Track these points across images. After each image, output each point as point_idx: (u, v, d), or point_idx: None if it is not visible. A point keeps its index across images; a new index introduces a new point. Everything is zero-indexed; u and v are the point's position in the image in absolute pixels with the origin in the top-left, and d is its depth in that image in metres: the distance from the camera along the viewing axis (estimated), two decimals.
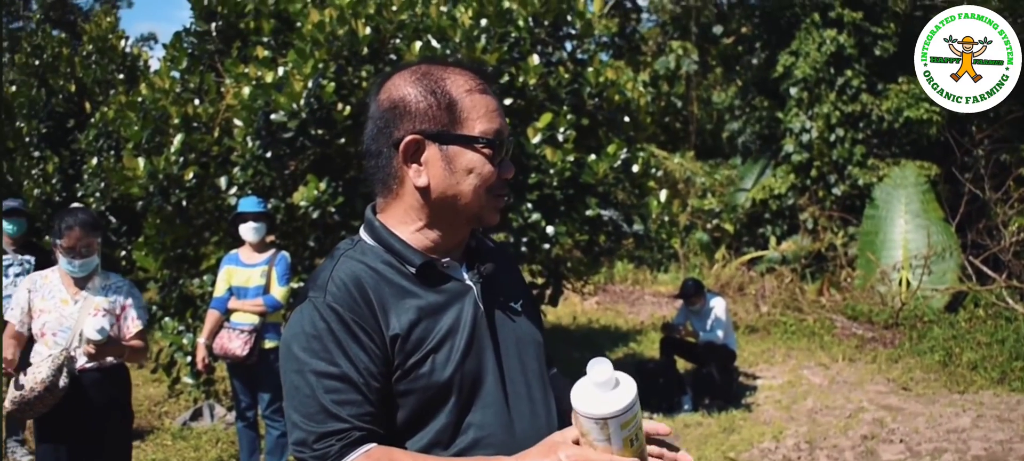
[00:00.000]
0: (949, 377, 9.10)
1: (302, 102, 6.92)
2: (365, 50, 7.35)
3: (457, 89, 1.74)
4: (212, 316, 6.32)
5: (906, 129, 14.39)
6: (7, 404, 4.21)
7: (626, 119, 8.39)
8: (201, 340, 6.37)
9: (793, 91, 15.18)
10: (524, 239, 7.56)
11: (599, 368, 1.54)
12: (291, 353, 1.68)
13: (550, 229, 7.52)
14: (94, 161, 9.92)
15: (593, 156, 7.66)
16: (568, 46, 8.81)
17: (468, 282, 1.81)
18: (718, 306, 8.74)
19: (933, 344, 10.18)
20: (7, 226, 6.80)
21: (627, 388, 1.55)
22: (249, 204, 6.38)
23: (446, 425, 1.71)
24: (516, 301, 1.91)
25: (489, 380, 1.75)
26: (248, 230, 6.24)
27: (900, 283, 12.55)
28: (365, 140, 1.82)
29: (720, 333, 8.62)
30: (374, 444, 1.63)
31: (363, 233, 1.84)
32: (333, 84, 6.99)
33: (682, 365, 9.13)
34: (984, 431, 7.23)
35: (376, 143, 1.78)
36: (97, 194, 9.70)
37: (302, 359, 1.65)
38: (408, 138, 1.72)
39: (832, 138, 14.79)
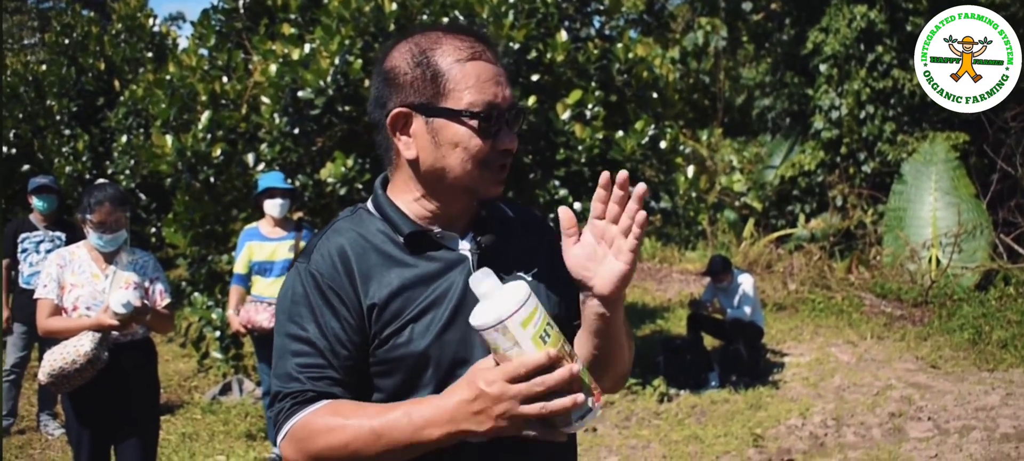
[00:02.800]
0: (978, 355, 9.02)
1: (329, 79, 6.94)
2: (392, 26, 7.33)
3: (446, 59, 1.70)
4: (236, 291, 6.35)
5: (938, 104, 14.18)
6: (42, 377, 4.25)
7: (655, 96, 8.34)
8: (230, 312, 6.41)
9: (823, 67, 15.00)
10: (552, 216, 7.55)
11: (478, 280, 1.54)
12: (278, 315, 1.76)
13: (578, 205, 7.51)
14: (123, 139, 10.04)
15: (621, 133, 7.63)
16: (596, 22, 8.77)
17: (463, 252, 1.78)
18: (746, 283, 8.70)
19: (963, 322, 10.07)
20: (38, 203, 6.91)
21: (515, 287, 1.53)
22: (276, 180, 6.34)
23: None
24: (527, 271, 1.84)
25: (476, 352, 1.70)
26: (274, 206, 6.22)
27: (930, 261, 12.43)
28: (368, 110, 1.83)
29: (747, 310, 8.59)
30: (327, 401, 1.64)
31: (369, 202, 1.85)
32: (360, 60, 7.00)
33: (709, 342, 9.10)
34: (1013, 409, 7.17)
35: (374, 114, 1.79)
36: (126, 171, 9.79)
37: (281, 321, 1.73)
38: (394, 111, 1.73)
39: (862, 115, 14.61)
